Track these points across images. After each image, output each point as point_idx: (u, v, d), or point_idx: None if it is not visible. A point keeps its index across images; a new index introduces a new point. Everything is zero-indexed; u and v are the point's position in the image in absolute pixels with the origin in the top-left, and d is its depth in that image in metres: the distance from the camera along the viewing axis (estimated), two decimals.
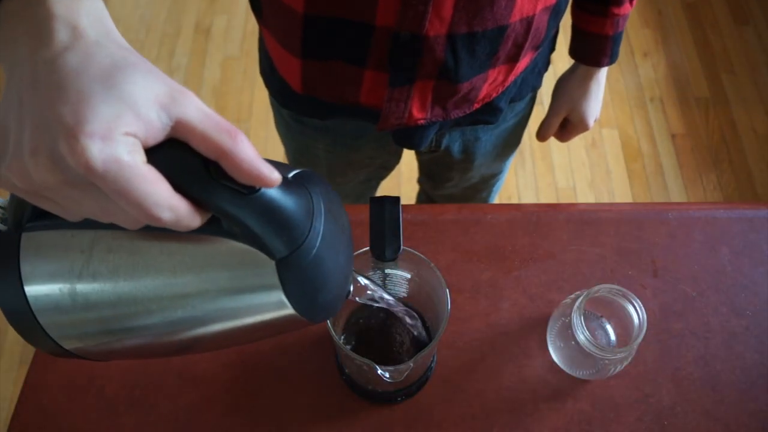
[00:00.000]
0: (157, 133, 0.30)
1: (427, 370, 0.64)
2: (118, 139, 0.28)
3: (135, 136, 0.29)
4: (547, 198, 1.76)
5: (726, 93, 1.96)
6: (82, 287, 0.37)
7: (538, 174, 1.80)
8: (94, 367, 0.64)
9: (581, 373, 0.63)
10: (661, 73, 2.01)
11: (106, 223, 0.33)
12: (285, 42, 0.67)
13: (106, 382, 0.64)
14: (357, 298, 0.50)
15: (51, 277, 0.37)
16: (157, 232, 0.35)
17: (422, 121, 0.71)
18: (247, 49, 2.04)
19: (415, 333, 0.59)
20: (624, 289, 0.59)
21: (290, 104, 0.78)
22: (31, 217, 0.38)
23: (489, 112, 0.77)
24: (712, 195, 1.77)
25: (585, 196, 1.77)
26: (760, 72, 2.00)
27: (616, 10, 0.75)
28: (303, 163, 0.96)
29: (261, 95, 1.95)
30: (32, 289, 0.37)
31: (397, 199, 0.56)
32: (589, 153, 1.85)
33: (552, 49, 0.82)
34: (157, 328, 0.38)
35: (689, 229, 0.74)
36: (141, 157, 0.29)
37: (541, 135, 0.93)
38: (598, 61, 0.81)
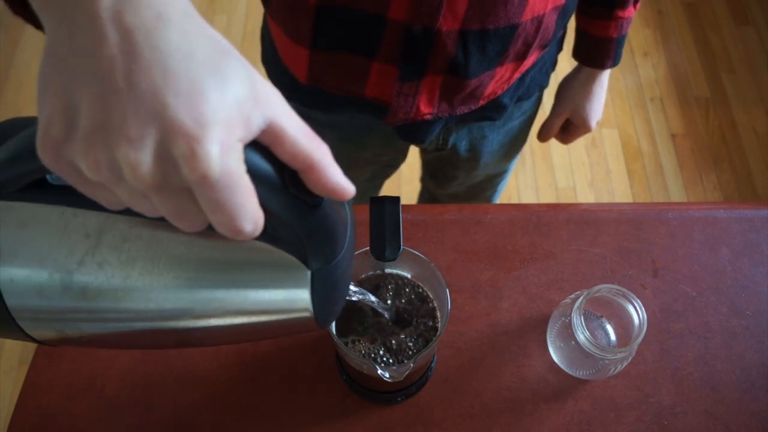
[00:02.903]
0: (252, 137, 0.27)
1: (427, 370, 0.64)
2: (234, 147, 0.25)
3: (242, 141, 0.26)
4: (547, 198, 1.76)
5: (726, 93, 1.96)
6: (82, 276, 0.33)
7: (538, 174, 1.80)
8: (94, 368, 0.64)
9: (581, 373, 0.63)
10: (661, 73, 2.01)
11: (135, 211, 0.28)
12: (293, 33, 0.67)
13: (106, 382, 0.64)
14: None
15: (39, 260, 0.33)
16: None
17: (429, 116, 0.71)
18: (247, 48, 2.04)
19: (387, 316, 0.57)
20: (624, 289, 0.59)
21: (293, 95, 0.78)
22: (13, 181, 0.32)
23: (494, 109, 0.77)
24: (712, 195, 1.77)
25: (585, 196, 1.77)
26: (760, 72, 2.00)
27: (620, 13, 0.76)
28: None
29: None
30: (6, 269, 0.33)
31: (397, 199, 0.56)
32: (590, 153, 1.85)
33: (559, 49, 0.82)
34: (158, 321, 0.36)
35: (689, 229, 0.74)
36: (244, 167, 0.26)
37: (543, 136, 0.93)
38: (601, 63, 0.81)
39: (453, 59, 0.64)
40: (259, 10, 2.12)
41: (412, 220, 0.73)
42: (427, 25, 0.59)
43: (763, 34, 2.08)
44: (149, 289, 0.34)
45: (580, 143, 1.86)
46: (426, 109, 0.70)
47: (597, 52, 0.81)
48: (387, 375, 0.51)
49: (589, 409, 0.63)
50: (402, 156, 0.96)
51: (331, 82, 0.71)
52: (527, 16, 0.62)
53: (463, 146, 0.87)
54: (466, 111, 0.73)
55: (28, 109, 1.91)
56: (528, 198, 1.76)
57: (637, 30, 2.10)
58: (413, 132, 0.74)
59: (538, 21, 0.64)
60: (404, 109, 0.69)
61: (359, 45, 0.64)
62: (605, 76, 0.84)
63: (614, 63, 0.81)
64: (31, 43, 2.05)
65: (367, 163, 0.92)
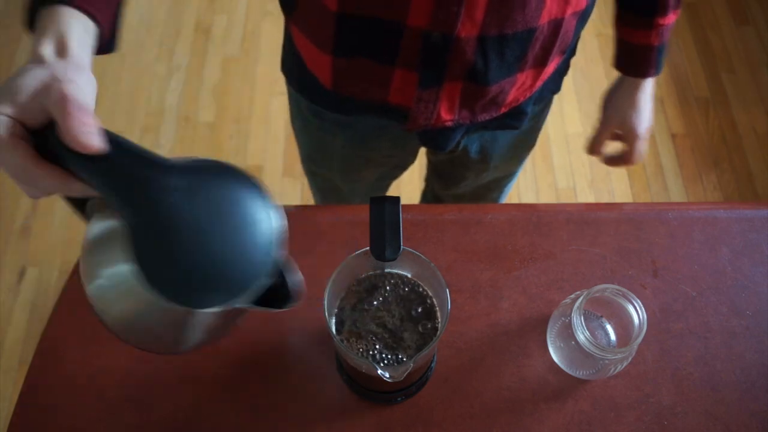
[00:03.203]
0: (35, 115, 0.38)
1: (427, 370, 0.64)
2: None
3: (8, 116, 0.38)
4: (547, 198, 1.76)
5: (726, 93, 1.96)
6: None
7: (539, 174, 1.80)
8: (94, 368, 0.64)
9: (581, 373, 0.63)
10: (661, 73, 2.01)
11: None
12: (316, 39, 0.68)
13: (106, 382, 0.64)
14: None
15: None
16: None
17: (450, 123, 0.71)
18: (247, 48, 2.04)
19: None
20: (624, 289, 0.59)
21: (318, 100, 0.78)
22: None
23: (516, 117, 0.77)
24: (712, 195, 1.77)
25: (585, 196, 1.77)
26: (760, 72, 2.00)
27: (660, 21, 0.74)
28: (317, 160, 0.95)
29: (261, 95, 1.94)
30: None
31: (397, 199, 0.56)
32: None
33: (572, 53, 0.81)
34: None
35: (689, 229, 0.74)
36: (7, 132, 0.38)
37: (591, 149, 0.91)
38: (643, 72, 0.80)
39: (472, 65, 0.64)
40: (259, 11, 2.12)
41: (412, 220, 0.73)
42: (445, 31, 0.60)
43: (763, 34, 2.08)
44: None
45: (579, 144, 1.86)
46: (447, 116, 0.70)
47: (638, 62, 0.80)
48: (387, 375, 0.51)
49: (589, 409, 0.63)
50: (412, 157, 0.96)
51: (355, 88, 0.71)
52: (544, 19, 0.62)
53: (474, 148, 0.87)
54: (487, 118, 0.73)
55: None
56: (528, 198, 1.76)
57: None
58: (434, 138, 0.74)
59: (556, 25, 0.64)
60: (425, 115, 0.69)
61: (380, 51, 0.64)
62: (649, 84, 0.83)
63: (657, 71, 0.80)
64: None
65: (377, 164, 0.92)
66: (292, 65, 0.79)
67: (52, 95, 0.38)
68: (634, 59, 0.80)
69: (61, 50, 0.42)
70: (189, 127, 1.88)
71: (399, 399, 0.63)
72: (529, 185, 1.78)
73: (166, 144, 1.85)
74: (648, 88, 0.83)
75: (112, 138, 0.40)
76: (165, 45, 2.05)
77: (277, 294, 0.41)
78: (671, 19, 0.76)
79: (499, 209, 0.77)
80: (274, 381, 0.64)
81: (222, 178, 0.41)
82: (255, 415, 0.62)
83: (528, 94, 0.74)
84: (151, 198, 0.39)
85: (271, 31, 2.09)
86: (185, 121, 1.89)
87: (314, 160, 0.96)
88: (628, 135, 0.87)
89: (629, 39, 0.79)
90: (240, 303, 0.39)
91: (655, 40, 0.77)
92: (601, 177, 1.81)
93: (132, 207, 0.38)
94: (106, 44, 0.49)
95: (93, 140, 0.38)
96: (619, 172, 1.82)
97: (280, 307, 0.41)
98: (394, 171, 0.99)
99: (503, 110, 0.73)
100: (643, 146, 0.86)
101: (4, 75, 1.98)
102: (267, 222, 0.41)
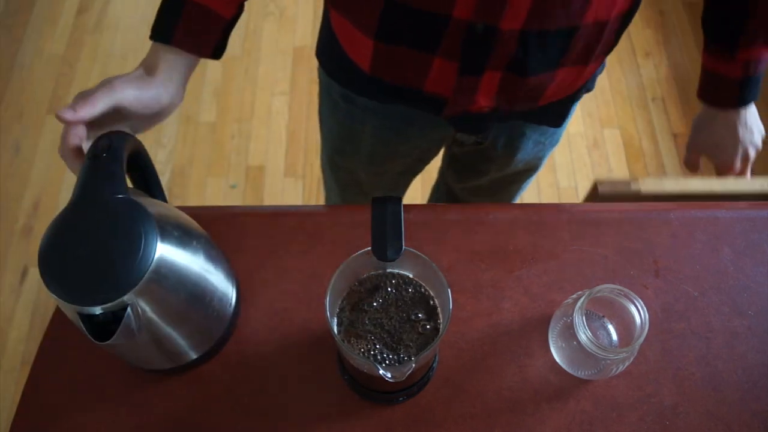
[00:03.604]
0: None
1: (429, 370, 0.63)
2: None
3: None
4: (548, 198, 1.76)
5: None
6: None
7: (540, 174, 1.79)
8: (95, 368, 0.64)
9: (583, 373, 0.63)
10: (662, 73, 2.01)
11: None
12: (359, 23, 0.68)
13: (108, 382, 0.64)
14: None
15: None
16: None
17: (487, 109, 0.71)
18: (248, 48, 2.05)
19: None
20: (626, 289, 0.59)
21: (352, 85, 0.79)
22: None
23: (556, 113, 0.77)
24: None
25: None
26: None
27: (745, 54, 0.72)
28: (343, 151, 0.95)
29: (262, 95, 1.95)
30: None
31: (398, 198, 0.56)
32: (591, 153, 1.85)
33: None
34: None
35: (691, 229, 0.74)
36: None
37: (689, 168, 0.91)
38: (725, 102, 0.78)
39: (513, 57, 0.64)
40: (260, 11, 2.12)
41: (414, 220, 0.73)
42: (490, 23, 0.60)
43: None
44: None
45: (581, 144, 1.86)
46: (484, 103, 0.70)
47: (717, 91, 0.78)
48: (388, 375, 0.51)
49: (590, 409, 0.63)
50: (436, 149, 0.95)
51: (393, 73, 0.71)
52: (589, 18, 0.62)
53: (501, 141, 0.87)
54: (526, 109, 0.73)
55: (30, 109, 1.92)
56: (530, 198, 1.76)
57: (638, 30, 2.10)
58: (469, 122, 0.74)
59: (601, 26, 0.64)
60: (462, 102, 0.70)
61: (422, 39, 0.64)
62: (733, 116, 0.79)
63: (740, 103, 0.77)
64: (33, 43, 2.06)
65: (402, 155, 0.92)
66: (328, 48, 0.80)
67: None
68: (713, 88, 0.78)
69: (149, 71, 0.63)
70: (190, 127, 1.89)
71: (400, 399, 0.63)
72: (531, 185, 1.78)
73: (168, 144, 1.85)
74: (732, 120, 0.80)
75: (97, 151, 0.53)
76: None
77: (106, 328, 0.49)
78: (761, 54, 0.72)
79: (501, 209, 0.77)
80: (275, 381, 0.64)
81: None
82: (255, 415, 0.62)
83: (569, 92, 0.74)
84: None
85: (272, 31, 2.09)
86: (187, 121, 1.89)
87: (339, 151, 0.96)
88: (717, 163, 0.86)
89: (708, 66, 0.77)
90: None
91: (738, 72, 0.74)
92: (603, 177, 1.81)
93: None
94: (210, 55, 0.66)
95: (63, 114, 0.56)
96: (621, 172, 1.82)
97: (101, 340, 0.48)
98: (417, 164, 0.99)
99: (541, 103, 0.73)
100: (743, 160, 0.85)
101: (4, 75, 1.98)
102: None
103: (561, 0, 0.59)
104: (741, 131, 0.82)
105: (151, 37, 0.63)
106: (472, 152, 0.95)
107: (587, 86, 0.80)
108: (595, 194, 0.83)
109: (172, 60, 0.63)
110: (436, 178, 1.23)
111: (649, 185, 0.81)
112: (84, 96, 0.57)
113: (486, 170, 0.97)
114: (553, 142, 0.93)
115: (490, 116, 0.74)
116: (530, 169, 0.99)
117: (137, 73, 0.62)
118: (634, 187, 0.81)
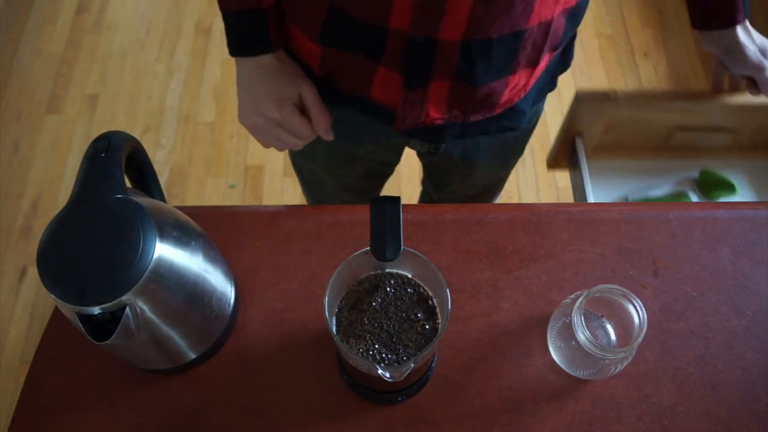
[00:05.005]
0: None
1: (428, 370, 0.64)
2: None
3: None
4: (547, 198, 1.76)
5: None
6: None
7: (539, 174, 1.80)
8: (95, 367, 0.64)
9: (582, 372, 0.63)
10: (661, 73, 2.01)
11: None
12: (305, 26, 0.67)
13: (107, 382, 0.64)
14: None
15: None
16: None
17: (440, 121, 0.70)
18: None
19: None
20: (624, 289, 0.59)
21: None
22: None
23: (513, 118, 0.76)
24: None
25: None
26: None
27: None
28: (302, 153, 0.94)
29: None
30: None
31: (397, 199, 0.56)
32: None
33: (571, 53, 0.78)
34: None
35: (690, 228, 0.74)
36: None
37: (714, 89, 0.95)
38: (728, 21, 0.79)
39: (457, 67, 0.63)
40: None
41: (413, 219, 0.73)
42: (428, 35, 0.59)
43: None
44: None
45: None
46: (436, 114, 0.69)
47: (717, 10, 0.77)
48: (387, 375, 0.51)
49: (589, 408, 0.63)
50: (396, 156, 0.95)
51: (340, 76, 0.71)
52: (533, 21, 0.61)
53: (456, 152, 0.86)
54: (480, 118, 0.72)
55: (30, 110, 1.92)
56: (528, 197, 1.76)
57: (637, 30, 2.10)
58: (427, 132, 0.73)
59: (546, 26, 0.63)
60: (413, 115, 0.69)
61: (365, 47, 0.64)
62: (739, 32, 0.80)
63: (745, 16, 0.77)
64: (31, 43, 2.06)
65: (361, 160, 0.91)
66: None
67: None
68: (713, 9, 0.79)
69: (282, 69, 0.69)
70: (189, 127, 1.88)
71: (400, 399, 0.63)
72: (530, 185, 1.78)
73: (167, 144, 1.85)
74: (740, 36, 0.82)
75: (96, 153, 0.54)
76: (165, 45, 2.05)
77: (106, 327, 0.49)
78: None
79: (500, 209, 0.77)
80: (275, 381, 0.64)
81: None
82: (255, 415, 0.62)
83: (522, 94, 0.73)
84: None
85: None
86: (185, 121, 1.89)
87: (299, 152, 0.95)
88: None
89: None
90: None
91: None
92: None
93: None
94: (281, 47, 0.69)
95: (330, 135, 0.72)
96: None
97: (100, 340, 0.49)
98: (381, 168, 0.98)
99: (498, 110, 0.72)
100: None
101: (3, 74, 1.98)
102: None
103: (502, 7, 0.57)
104: (759, 38, 0.84)
105: (246, 53, 0.67)
106: (433, 162, 0.94)
107: (547, 86, 0.78)
108: (576, 104, 0.93)
109: (274, 61, 0.68)
110: (421, 188, 1.23)
111: (625, 93, 0.94)
112: (319, 108, 0.68)
113: (449, 182, 0.97)
114: (515, 152, 0.93)
115: (444, 128, 0.72)
116: (497, 183, 0.99)
117: (289, 69, 0.68)
118: (612, 95, 0.93)
